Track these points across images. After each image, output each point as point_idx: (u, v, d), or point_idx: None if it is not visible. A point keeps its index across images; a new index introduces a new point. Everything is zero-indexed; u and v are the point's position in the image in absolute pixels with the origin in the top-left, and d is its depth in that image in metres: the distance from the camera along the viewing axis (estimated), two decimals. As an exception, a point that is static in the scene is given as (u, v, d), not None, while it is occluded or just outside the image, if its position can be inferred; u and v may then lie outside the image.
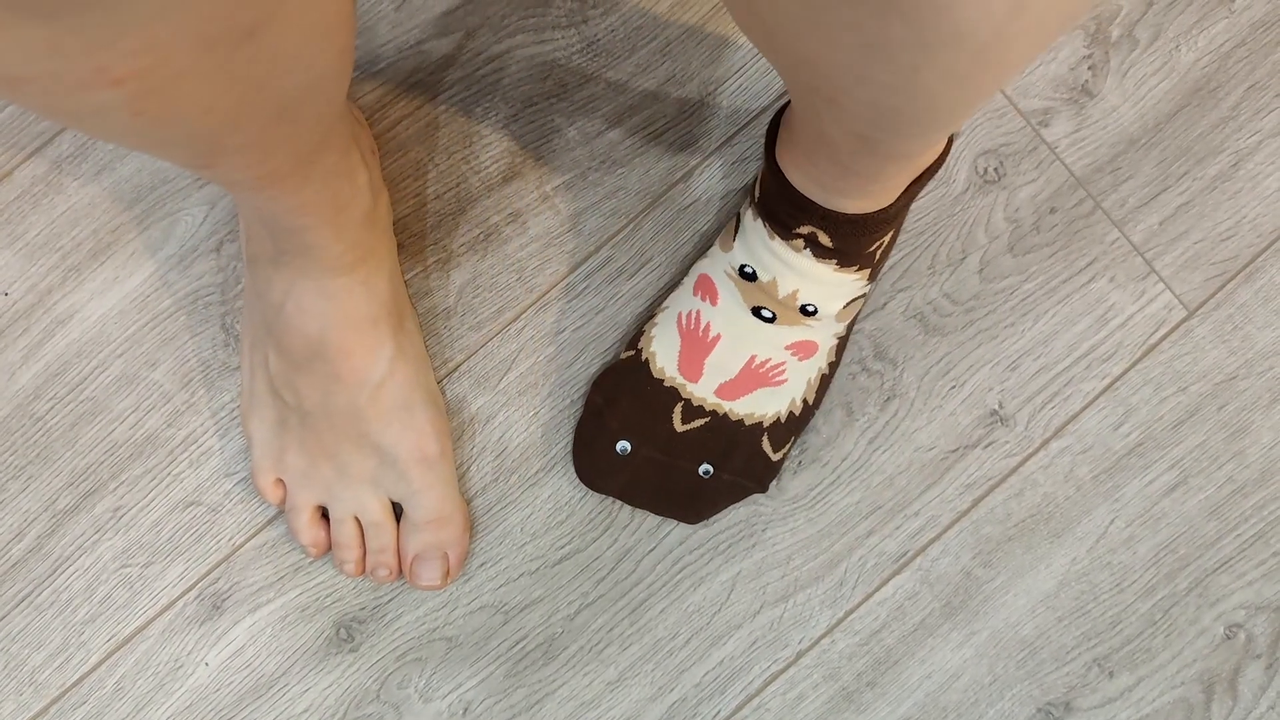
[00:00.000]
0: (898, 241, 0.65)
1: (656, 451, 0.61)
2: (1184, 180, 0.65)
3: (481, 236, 0.65)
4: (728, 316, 0.59)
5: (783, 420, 0.61)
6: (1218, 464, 0.64)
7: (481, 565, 0.63)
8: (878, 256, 0.58)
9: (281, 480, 0.61)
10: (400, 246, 0.64)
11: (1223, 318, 0.65)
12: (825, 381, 0.62)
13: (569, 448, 0.63)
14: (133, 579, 0.63)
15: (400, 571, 0.62)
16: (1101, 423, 0.64)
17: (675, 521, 0.63)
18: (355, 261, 0.55)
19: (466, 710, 0.63)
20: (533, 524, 0.64)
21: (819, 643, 0.63)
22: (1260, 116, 0.66)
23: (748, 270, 0.58)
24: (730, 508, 0.63)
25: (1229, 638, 0.63)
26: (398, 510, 0.62)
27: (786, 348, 0.59)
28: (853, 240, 0.55)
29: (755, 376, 0.60)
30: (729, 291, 0.59)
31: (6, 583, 0.63)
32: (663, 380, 0.60)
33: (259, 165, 0.44)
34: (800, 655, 0.63)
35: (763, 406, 0.60)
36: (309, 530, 0.61)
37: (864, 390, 0.64)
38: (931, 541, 0.64)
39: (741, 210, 0.59)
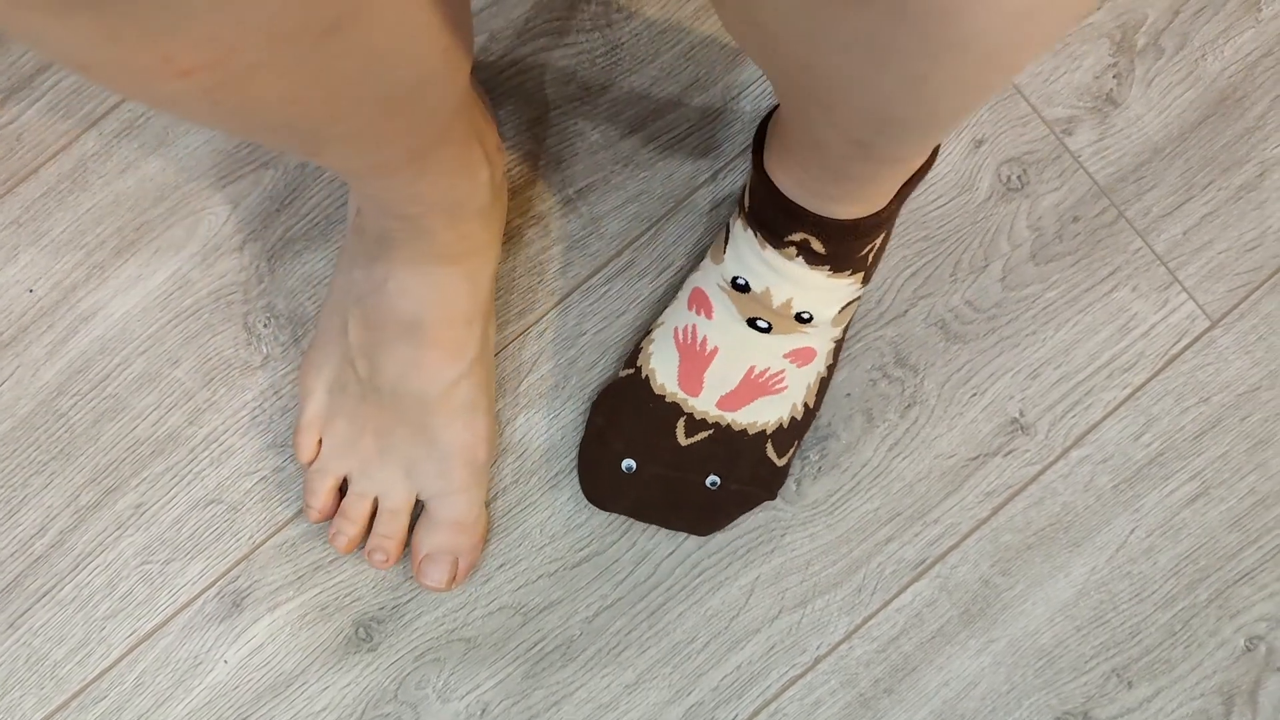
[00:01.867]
0: (915, 249, 0.65)
1: (662, 467, 0.61)
2: (1208, 190, 0.65)
3: (504, 239, 0.65)
4: (724, 329, 0.59)
5: (785, 426, 0.61)
6: (1239, 475, 0.64)
7: (500, 567, 0.64)
8: (870, 260, 0.58)
9: (321, 441, 0.61)
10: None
11: (1246, 328, 0.65)
12: (824, 385, 0.62)
13: (589, 451, 0.63)
14: (153, 575, 0.64)
15: (397, 560, 0.61)
16: (1122, 432, 0.64)
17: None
18: (464, 254, 0.56)
19: (484, 711, 0.63)
20: (552, 526, 0.64)
21: (837, 649, 0.63)
22: (1286, 127, 0.65)
23: (740, 282, 0.58)
24: (744, 516, 0.63)
25: (1249, 650, 0.63)
26: (417, 509, 0.62)
27: (785, 356, 0.59)
28: (845, 245, 0.55)
29: (755, 386, 0.60)
30: (723, 304, 0.59)
31: (29, 577, 0.63)
32: (664, 396, 0.60)
33: (370, 155, 0.45)
34: (818, 661, 0.63)
35: (764, 415, 0.60)
36: (324, 495, 0.61)
37: (885, 397, 0.64)
38: (951, 549, 0.64)
39: (731, 220, 0.59)
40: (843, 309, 0.59)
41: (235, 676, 0.63)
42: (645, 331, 0.62)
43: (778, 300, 0.57)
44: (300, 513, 0.64)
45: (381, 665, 0.63)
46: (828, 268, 0.56)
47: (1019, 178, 0.65)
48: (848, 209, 0.53)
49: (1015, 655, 0.63)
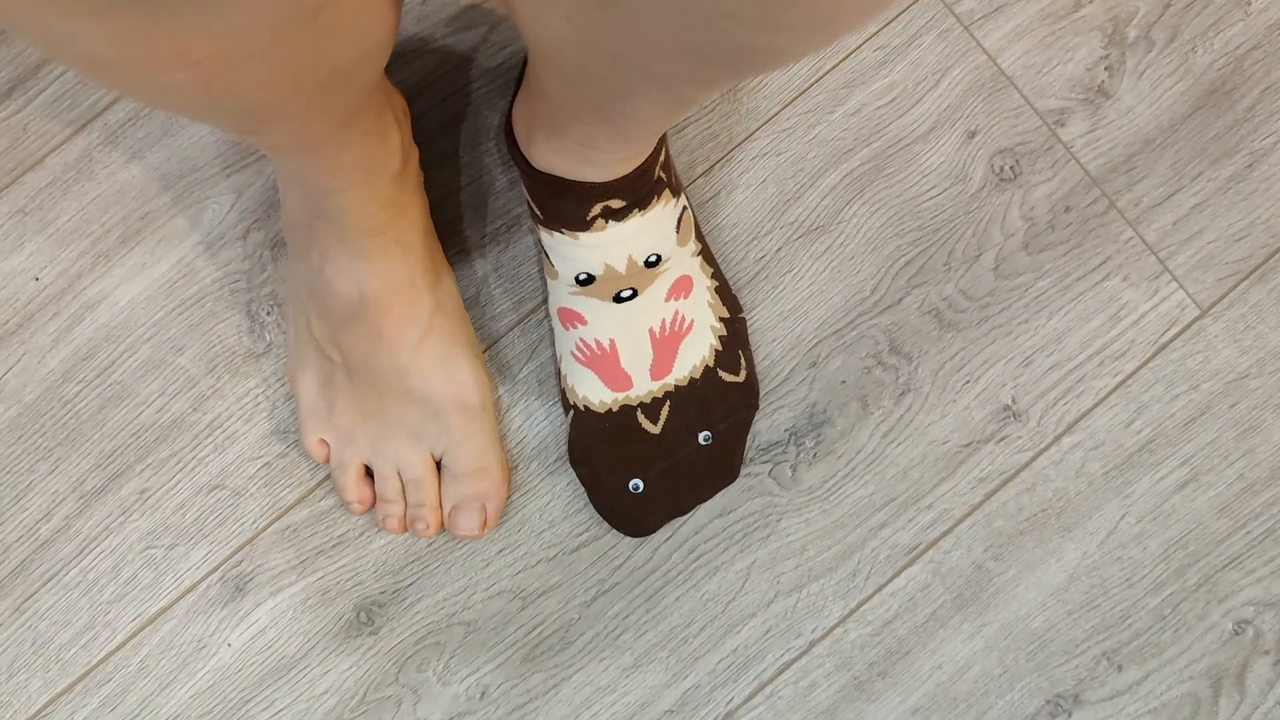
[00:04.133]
0: (909, 238, 0.65)
1: (660, 462, 0.62)
2: (1198, 181, 0.66)
3: (504, 228, 0.66)
4: (603, 321, 0.60)
5: (719, 348, 0.62)
6: (1228, 461, 0.65)
7: (500, 551, 0.65)
8: (666, 176, 0.58)
9: (325, 440, 0.62)
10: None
11: (1235, 317, 0.66)
12: (725, 291, 0.63)
13: (587, 437, 0.64)
14: (158, 560, 0.65)
15: (440, 526, 0.63)
16: (1113, 419, 0.65)
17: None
18: (389, 221, 0.56)
19: (484, 694, 0.64)
20: (551, 511, 0.65)
21: (831, 632, 0.64)
22: (1275, 118, 0.66)
23: (581, 277, 0.59)
24: (743, 498, 0.64)
25: (1237, 634, 0.64)
26: (440, 465, 0.62)
27: (666, 300, 0.60)
28: (637, 187, 0.55)
29: (668, 341, 0.61)
30: (586, 304, 0.60)
31: (35, 562, 0.64)
32: (610, 410, 0.61)
33: (302, 131, 0.46)
34: (813, 644, 0.64)
35: (695, 354, 0.61)
36: (355, 488, 0.62)
37: (879, 384, 0.65)
38: (944, 534, 0.64)
39: (537, 235, 0.60)
40: (679, 229, 0.59)
41: (238, 660, 0.64)
42: (557, 374, 0.64)
43: (621, 266, 0.58)
44: (303, 498, 0.65)
45: (382, 649, 0.64)
46: (636, 212, 0.56)
47: (1011, 168, 0.66)
48: (628, 164, 0.54)
49: (1007, 639, 0.64)
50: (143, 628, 0.64)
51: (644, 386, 0.61)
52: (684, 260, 0.60)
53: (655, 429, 0.61)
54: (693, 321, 0.61)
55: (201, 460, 0.65)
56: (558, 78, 0.46)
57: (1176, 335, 0.65)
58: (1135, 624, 0.64)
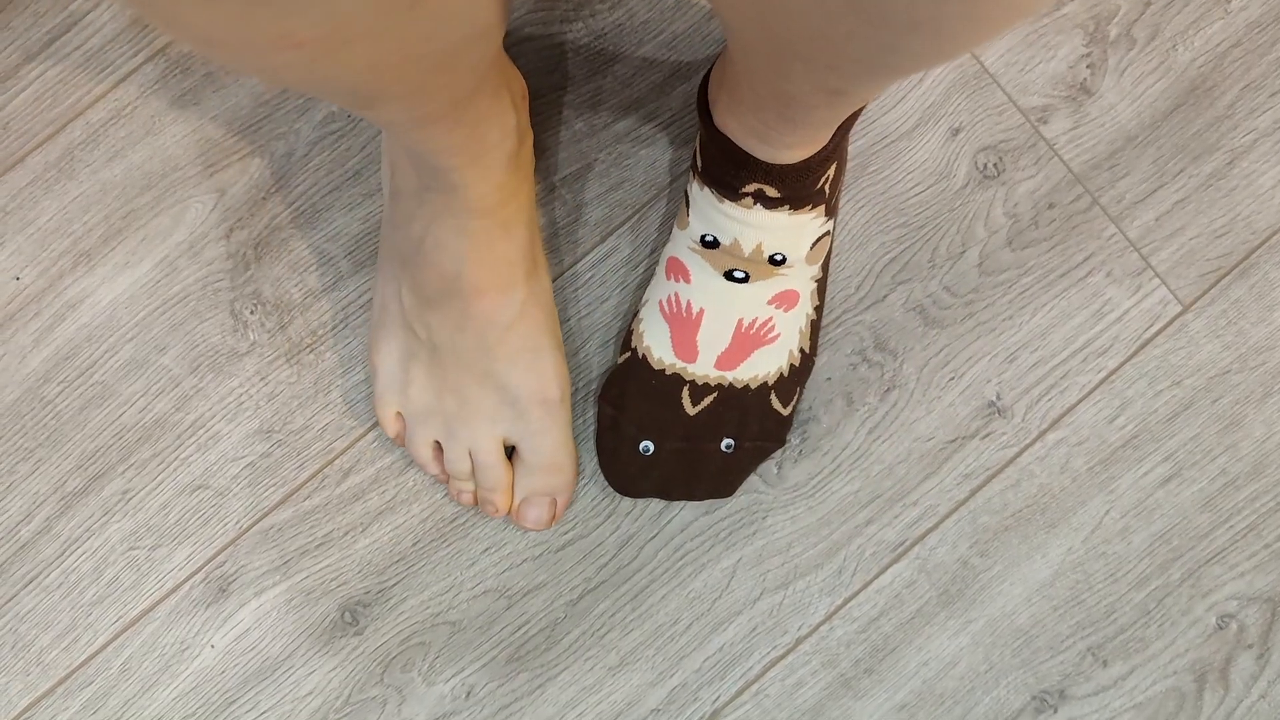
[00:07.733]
0: (894, 235, 0.66)
1: (678, 441, 0.62)
2: (1180, 177, 0.66)
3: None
4: (704, 288, 0.60)
5: (785, 375, 0.62)
6: (1211, 457, 0.65)
7: (485, 550, 0.64)
8: (828, 193, 0.59)
9: (401, 414, 0.62)
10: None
11: (1217, 313, 0.66)
12: (816, 328, 0.63)
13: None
14: (140, 561, 0.64)
15: (509, 509, 0.62)
16: (1097, 415, 0.65)
17: (678, 506, 0.64)
18: (497, 204, 0.56)
19: (469, 694, 0.64)
20: (536, 510, 0.64)
21: (818, 629, 0.64)
22: (1255, 115, 0.67)
23: (708, 239, 0.59)
24: (729, 497, 0.64)
25: (1221, 628, 0.64)
26: (510, 452, 0.62)
27: (769, 302, 0.60)
28: (798, 184, 0.56)
29: (748, 339, 0.61)
30: (698, 265, 0.60)
31: (15, 564, 0.64)
32: (664, 370, 0.61)
33: (416, 109, 0.46)
34: (799, 642, 0.64)
35: (763, 367, 0.61)
36: (435, 464, 0.62)
37: (864, 381, 0.65)
38: (929, 531, 0.65)
39: (688, 184, 0.61)
40: (814, 246, 0.60)
41: (221, 661, 0.64)
42: (634, 314, 0.63)
43: (748, 248, 0.58)
44: (287, 498, 0.64)
45: (367, 649, 0.64)
46: (787, 208, 0.57)
47: (995, 165, 0.66)
48: (797, 152, 0.54)
49: (993, 635, 0.64)
50: (125, 629, 0.64)
51: (703, 369, 0.61)
52: (802, 278, 0.61)
53: (691, 411, 0.61)
54: (779, 336, 0.61)
55: (184, 460, 0.65)
56: (732, 42, 0.48)
57: (1159, 331, 0.66)
58: (1120, 619, 0.64)
